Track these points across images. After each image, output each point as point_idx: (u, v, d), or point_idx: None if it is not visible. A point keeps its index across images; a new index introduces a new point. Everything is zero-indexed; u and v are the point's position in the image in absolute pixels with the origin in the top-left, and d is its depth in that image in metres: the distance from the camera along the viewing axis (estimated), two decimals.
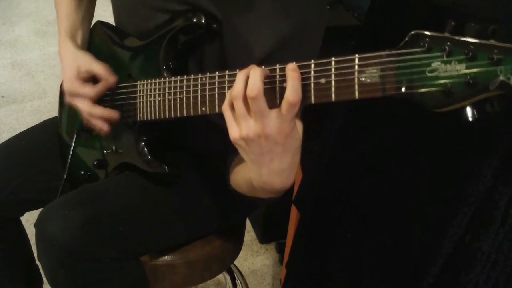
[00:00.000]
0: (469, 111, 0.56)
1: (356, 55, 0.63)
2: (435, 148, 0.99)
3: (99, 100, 1.02)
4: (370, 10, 1.15)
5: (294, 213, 1.58)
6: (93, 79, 1.02)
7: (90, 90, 0.99)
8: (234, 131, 0.69)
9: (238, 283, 1.47)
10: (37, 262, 1.13)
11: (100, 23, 1.11)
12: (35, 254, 0.99)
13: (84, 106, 1.00)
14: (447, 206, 0.94)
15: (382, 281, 1.14)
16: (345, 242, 1.24)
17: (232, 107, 0.69)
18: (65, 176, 1.09)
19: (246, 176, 0.81)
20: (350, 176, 1.20)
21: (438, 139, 0.98)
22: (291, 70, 0.66)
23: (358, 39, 1.20)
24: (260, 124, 0.67)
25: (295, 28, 0.86)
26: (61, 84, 1.17)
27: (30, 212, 1.20)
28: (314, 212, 1.35)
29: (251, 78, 0.66)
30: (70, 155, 1.10)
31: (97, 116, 1.00)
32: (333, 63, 0.65)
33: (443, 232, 0.94)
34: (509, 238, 0.87)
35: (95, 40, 1.11)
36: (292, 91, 0.65)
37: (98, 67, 1.00)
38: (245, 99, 0.67)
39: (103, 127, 1.01)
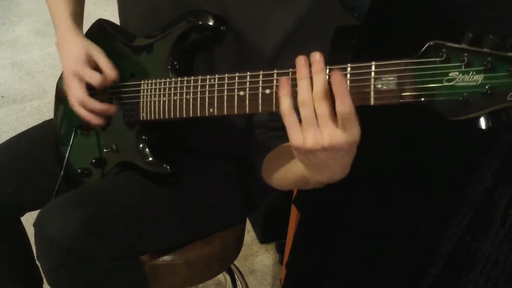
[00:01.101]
0: (483, 120, 0.58)
1: (373, 62, 0.63)
2: (435, 148, 0.99)
3: (101, 98, 1.01)
4: (370, 10, 1.15)
5: (294, 213, 1.58)
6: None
7: (97, 76, 0.96)
8: (298, 139, 0.66)
9: (238, 283, 1.47)
10: (37, 262, 1.13)
11: (102, 21, 1.11)
12: (35, 254, 0.99)
13: (79, 93, 0.96)
14: (447, 206, 0.94)
15: (382, 281, 1.14)
16: (345, 242, 1.24)
17: (293, 112, 0.67)
18: (62, 173, 1.09)
19: (294, 172, 0.79)
20: (350, 176, 1.20)
21: (439, 139, 0.98)
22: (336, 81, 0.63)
23: (358, 39, 1.20)
24: (327, 135, 0.65)
25: (304, 13, 0.87)
26: (58, 82, 1.17)
27: (30, 212, 1.20)
28: (314, 211, 1.35)
29: (318, 82, 0.65)
30: (67, 153, 1.09)
31: (90, 109, 0.98)
32: (348, 68, 0.65)
33: (443, 232, 0.94)
34: (509, 238, 0.87)
35: (97, 38, 1.10)
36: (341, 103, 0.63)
37: (105, 61, 0.98)
38: (312, 105, 0.65)
39: (95, 120, 0.98)
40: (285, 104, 0.67)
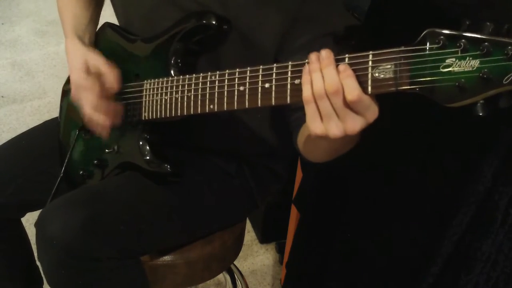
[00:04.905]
0: (480, 106, 0.57)
1: (370, 52, 0.64)
2: (435, 148, 0.99)
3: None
4: (370, 10, 1.15)
5: (294, 213, 1.58)
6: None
7: (97, 84, 0.97)
8: (318, 128, 0.68)
9: (238, 283, 1.47)
10: (38, 263, 1.13)
11: (108, 25, 1.11)
12: (35, 254, 0.99)
13: (90, 98, 0.96)
14: (447, 206, 0.94)
15: (382, 281, 1.14)
16: (345, 242, 1.24)
17: (315, 101, 0.68)
18: (61, 174, 1.09)
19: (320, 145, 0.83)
20: (350, 176, 1.20)
21: (438, 139, 0.98)
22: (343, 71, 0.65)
23: (358, 39, 1.20)
24: (351, 125, 0.66)
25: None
26: (64, 84, 1.18)
27: (31, 212, 1.20)
28: (314, 212, 1.35)
29: (327, 76, 0.66)
30: (68, 154, 1.10)
31: (103, 111, 0.97)
32: (346, 59, 0.66)
33: (443, 232, 0.94)
34: (509, 238, 0.87)
35: (103, 41, 1.11)
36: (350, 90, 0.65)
37: (105, 66, 0.98)
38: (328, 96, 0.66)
39: (105, 124, 0.98)
40: (307, 91, 0.68)
